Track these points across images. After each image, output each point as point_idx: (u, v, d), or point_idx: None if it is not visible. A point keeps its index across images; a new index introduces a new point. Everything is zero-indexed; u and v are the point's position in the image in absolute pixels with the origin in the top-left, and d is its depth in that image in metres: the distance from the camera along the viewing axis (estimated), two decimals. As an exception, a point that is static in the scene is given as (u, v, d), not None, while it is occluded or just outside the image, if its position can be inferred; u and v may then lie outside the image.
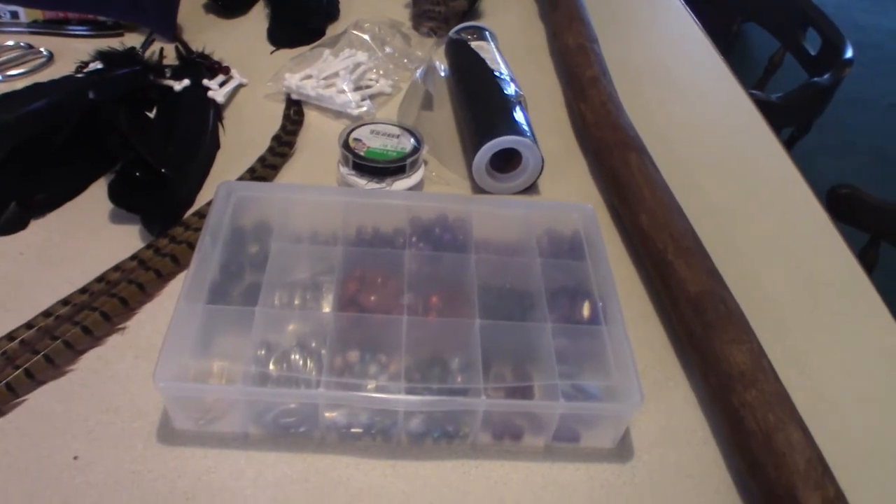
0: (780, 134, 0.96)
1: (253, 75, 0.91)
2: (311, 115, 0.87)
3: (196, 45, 0.92)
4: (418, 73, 0.89)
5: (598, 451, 0.56)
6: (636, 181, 0.73)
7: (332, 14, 1.07)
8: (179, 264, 0.65)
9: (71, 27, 0.97)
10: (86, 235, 0.68)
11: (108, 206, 0.69)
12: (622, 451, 0.56)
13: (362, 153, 0.73)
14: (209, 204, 0.67)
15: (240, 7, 1.07)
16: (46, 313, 0.60)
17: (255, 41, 1.00)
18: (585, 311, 0.61)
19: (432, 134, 0.81)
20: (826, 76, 1.32)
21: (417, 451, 0.55)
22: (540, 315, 0.59)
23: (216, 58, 0.91)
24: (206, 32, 0.99)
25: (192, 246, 0.65)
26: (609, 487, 0.54)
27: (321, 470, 0.53)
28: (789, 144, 1.41)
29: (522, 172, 0.77)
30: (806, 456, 0.51)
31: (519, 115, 0.79)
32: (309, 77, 0.88)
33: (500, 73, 0.85)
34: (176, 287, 0.64)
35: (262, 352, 0.56)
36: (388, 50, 0.95)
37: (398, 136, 0.76)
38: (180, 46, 0.92)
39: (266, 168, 0.77)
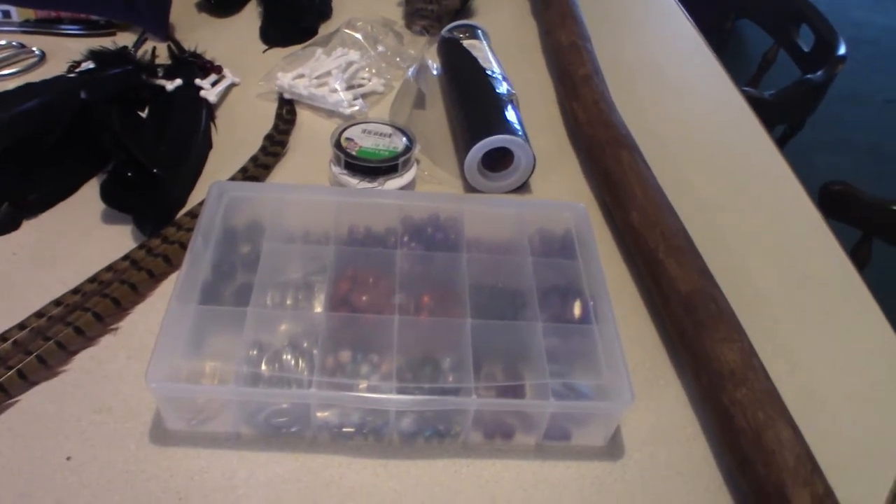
0: (773, 131, 0.96)
1: (245, 74, 0.91)
2: (303, 115, 0.87)
3: (188, 44, 0.92)
4: (410, 71, 0.89)
5: (589, 449, 0.56)
6: (628, 179, 0.74)
7: (324, 13, 1.07)
8: (172, 264, 0.65)
9: (63, 26, 0.96)
10: (78, 236, 0.68)
11: (101, 206, 0.69)
12: (613, 449, 0.57)
13: (354, 152, 0.73)
14: (201, 204, 0.67)
15: (232, 6, 1.07)
16: (39, 314, 0.60)
17: (247, 40, 1.00)
18: (576, 310, 0.61)
19: (424, 133, 0.81)
20: (819, 73, 1.32)
21: (409, 450, 0.55)
22: (531, 314, 0.59)
23: (208, 57, 0.91)
24: (198, 31, 0.99)
25: (184, 246, 0.65)
26: (600, 485, 0.54)
27: (313, 469, 0.53)
28: (782, 142, 1.41)
29: (514, 171, 0.78)
30: (795, 453, 0.51)
31: (511, 113, 0.79)
32: (301, 76, 0.88)
33: (492, 72, 0.85)
34: (168, 287, 0.64)
35: (254, 352, 0.56)
36: (380, 48, 0.95)
37: (390, 136, 0.76)
38: (172, 45, 0.92)
39: (258, 168, 0.77)
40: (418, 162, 0.78)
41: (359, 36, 0.94)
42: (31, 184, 0.71)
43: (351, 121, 0.78)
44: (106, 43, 0.88)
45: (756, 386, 0.55)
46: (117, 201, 0.69)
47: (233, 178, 0.75)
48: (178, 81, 0.84)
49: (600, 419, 0.56)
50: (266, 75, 0.89)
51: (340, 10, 1.08)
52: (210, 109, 0.84)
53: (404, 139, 0.76)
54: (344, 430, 0.55)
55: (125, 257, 0.65)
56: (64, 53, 0.90)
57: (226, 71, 0.90)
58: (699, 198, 0.81)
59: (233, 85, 0.90)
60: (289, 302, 0.60)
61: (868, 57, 3.15)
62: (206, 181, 0.75)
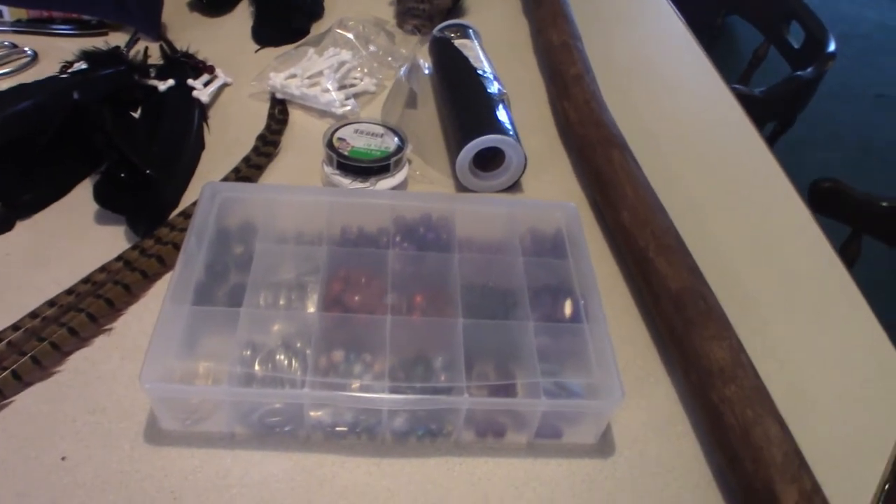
0: (763, 128, 0.97)
1: (237, 74, 0.91)
2: (295, 115, 0.87)
3: (180, 44, 0.92)
4: (402, 71, 0.89)
5: (580, 446, 0.57)
6: (618, 178, 0.74)
7: (316, 12, 1.07)
8: (165, 265, 0.66)
9: (55, 26, 0.96)
10: (72, 237, 0.68)
11: (94, 207, 0.69)
12: (604, 446, 0.57)
13: (346, 153, 0.74)
14: (194, 204, 0.67)
15: (224, 6, 1.07)
16: (33, 314, 0.60)
17: (239, 40, 1.00)
18: (567, 309, 0.62)
19: (416, 132, 0.81)
20: (809, 70, 1.33)
21: (402, 449, 0.55)
22: (522, 313, 0.60)
23: (201, 57, 0.91)
24: (190, 31, 0.99)
25: (177, 247, 0.65)
26: (591, 482, 0.55)
27: (307, 468, 0.53)
28: (773, 139, 1.42)
29: (506, 171, 0.78)
30: (783, 449, 0.52)
31: (502, 113, 0.79)
32: (293, 76, 0.88)
33: (484, 72, 0.85)
34: (162, 288, 0.64)
35: (248, 352, 0.56)
36: (372, 48, 0.95)
37: (382, 136, 0.76)
38: (165, 46, 0.92)
39: (251, 168, 0.77)
40: (410, 162, 0.79)
41: (350, 35, 0.94)
42: (25, 184, 0.71)
43: (343, 121, 0.79)
44: (98, 43, 0.88)
45: (745, 383, 0.56)
46: (110, 202, 0.69)
47: (225, 179, 0.76)
48: (171, 82, 0.84)
49: (591, 417, 0.56)
50: (258, 75, 0.89)
51: (332, 10, 1.08)
52: (202, 109, 0.84)
53: (396, 139, 0.76)
54: (337, 429, 0.55)
55: (118, 258, 0.65)
56: (56, 53, 0.90)
57: (218, 71, 0.90)
58: (689, 196, 0.82)
59: (225, 85, 0.90)
60: (282, 302, 0.61)
61: (859, 52, 3.16)
62: (199, 181, 0.75)
